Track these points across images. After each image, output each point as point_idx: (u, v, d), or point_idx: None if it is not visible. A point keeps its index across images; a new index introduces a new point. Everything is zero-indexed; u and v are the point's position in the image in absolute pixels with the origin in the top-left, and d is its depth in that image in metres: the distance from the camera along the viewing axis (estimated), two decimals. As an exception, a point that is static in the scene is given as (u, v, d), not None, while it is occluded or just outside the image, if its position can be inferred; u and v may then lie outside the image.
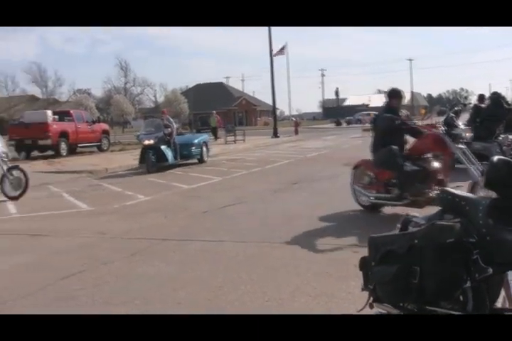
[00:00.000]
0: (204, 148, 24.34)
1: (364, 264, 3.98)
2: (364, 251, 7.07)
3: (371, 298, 3.86)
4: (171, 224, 10.40)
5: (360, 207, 10.67)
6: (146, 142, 21.33)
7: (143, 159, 21.24)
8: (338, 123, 78.60)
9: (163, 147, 21.41)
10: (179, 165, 22.22)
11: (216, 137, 45.25)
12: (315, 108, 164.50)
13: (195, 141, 24.04)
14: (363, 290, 4.04)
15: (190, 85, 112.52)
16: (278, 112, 55.34)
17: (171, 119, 23.49)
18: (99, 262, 7.70)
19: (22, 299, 6.32)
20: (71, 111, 35.83)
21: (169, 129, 22.14)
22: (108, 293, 6.30)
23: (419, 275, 3.46)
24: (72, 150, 32.84)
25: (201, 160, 23.96)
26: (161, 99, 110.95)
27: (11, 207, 13.77)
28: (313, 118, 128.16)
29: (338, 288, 6.06)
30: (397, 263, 3.59)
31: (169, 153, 21.62)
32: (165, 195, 14.47)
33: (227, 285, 6.36)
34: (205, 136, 25.97)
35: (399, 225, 3.98)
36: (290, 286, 6.20)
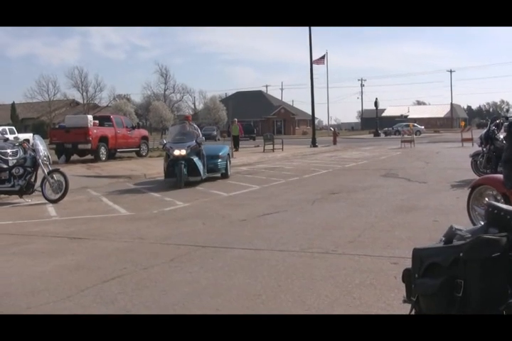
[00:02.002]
0: (228, 161, 21.68)
1: (407, 276, 3.97)
2: (404, 263, 7.08)
3: (413, 310, 3.84)
4: (209, 231, 10.42)
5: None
6: (177, 153, 18.24)
7: (171, 173, 18.26)
8: (376, 134, 78.27)
9: (195, 159, 18.56)
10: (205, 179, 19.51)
11: (238, 147, 41.49)
12: (353, 118, 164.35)
13: (221, 152, 21.15)
14: (404, 302, 4.02)
15: (230, 93, 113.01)
16: (316, 122, 55.32)
17: (196, 126, 20.89)
18: (138, 267, 7.75)
19: (63, 301, 6.38)
20: (111, 117, 36.14)
21: (202, 138, 19.52)
22: (147, 297, 6.33)
23: (464, 289, 3.44)
24: (111, 155, 33.12)
25: (225, 175, 21.15)
26: (200, 106, 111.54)
27: (51, 209, 13.94)
28: (351, 128, 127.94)
29: (377, 299, 6.03)
30: (441, 275, 3.57)
31: (201, 166, 18.76)
32: (203, 202, 14.51)
33: (266, 294, 6.36)
34: (227, 148, 22.94)
35: (443, 238, 3.95)
36: (329, 297, 6.17)
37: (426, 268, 3.74)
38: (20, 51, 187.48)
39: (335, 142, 50.72)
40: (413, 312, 3.84)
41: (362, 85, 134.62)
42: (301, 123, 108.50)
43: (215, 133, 72.04)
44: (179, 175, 17.89)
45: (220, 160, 20.66)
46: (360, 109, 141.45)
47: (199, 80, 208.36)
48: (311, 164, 26.82)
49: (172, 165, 18.20)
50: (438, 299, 3.58)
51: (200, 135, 19.62)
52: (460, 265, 3.48)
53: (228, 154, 22.26)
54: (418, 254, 3.91)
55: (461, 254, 3.49)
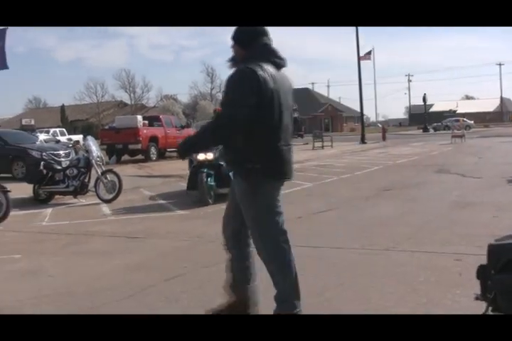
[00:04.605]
0: None
1: (483, 273, 3.85)
2: (467, 260, 6.99)
3: (490, 308, 3.74)
4: (265, 228, 10.35)
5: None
6: (202, 157, 14.21)
7: (194, 183, 14.13)
8: (425, 130, 77.45)
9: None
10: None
11: None
12: (400, 114, 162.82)
13: None
14: (476, 299, 3.91)
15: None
16: (364, 118, 54.83)
17: None
18: (199, 265, 7.74)
19: (126, 300, 6.40)
20: (160, 117, 36.39)
21: None
22: (211, 296, 6.29)
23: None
24: (161, 155, 33.32)
25: None
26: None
27: (105, 209, 14.06)
28: (399, 124, 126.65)
29: (443, 296, 5.92)
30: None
31: None
32: (257, 200, 14.46)
33: (329, 292, 6.30)
34: None
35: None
36: (394, 294, 6.08)
37: (504, 264, 3.64)
38: (68, 54, 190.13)
39: (384, 138, 50.26)
40: (489, 310, 3.75)
41: (409, 81, 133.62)
42: (349, 120, 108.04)
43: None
44: (201, 186, 13.89)
45: None
46: (408, 105, 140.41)
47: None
48: (362, 161, 26.63)
49: (196, 173, 14.28)
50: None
51: None
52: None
53: None
54: (494, 250, 3.81)
55: None
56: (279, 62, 5.05)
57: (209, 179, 13.97)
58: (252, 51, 4.99)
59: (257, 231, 5.16)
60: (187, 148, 5.14)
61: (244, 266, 5.43)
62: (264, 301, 5.32)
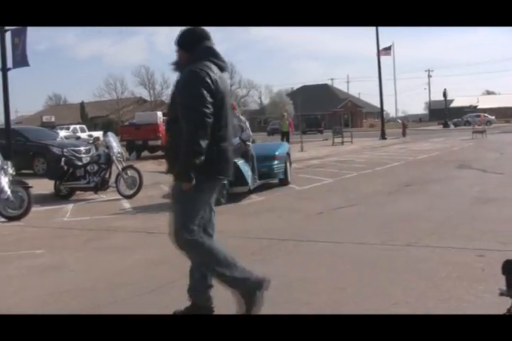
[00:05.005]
0: (287, 163, 16.71)
1: (509, 268, 3.80)
2: (490, 256, 6.95)
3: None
4: (286, 224, 10.38)
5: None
6: None
7: None
8: (446, 125, 77.03)
9: (240, 162, 13.54)
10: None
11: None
12: (420, 109, 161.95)
13: (278, 152, 16.34)
14: (501, 294, 3.86)
15: (296, 87, 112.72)
16: (383, 114, 54.60)
17: (243, 118, 15.73)
18: (219, 260, 7.72)
19: (148, 295, 6.41)
20: (180, 113, 36.33)
21: (248, 134, 14.75)
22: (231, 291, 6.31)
23: None
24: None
25: (284, 181, 16.44)
26: (266, 100, 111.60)
27: (126, 205, 14.13)
28: (419, 119, 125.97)
29: (466, 292, 5.87)
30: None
31: (248, 172, 14.00)
32: (278, 196, 14.51)
33: (351, 287, 6.26)
34: (286, 146, 18.22)
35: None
36: (416, 290, 6.04)
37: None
38: (87, 51, 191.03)
39: (404, 134, 50.01)
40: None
41: (429, 76, 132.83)
42: (368, 115, 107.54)
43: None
44: None
45: (276, 162, 15.91)
46: (428, 100, 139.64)
47: (265, 75, 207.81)
48: (382, 156, 26.57)
49: None
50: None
51: (248, 129, 14.92)
52: None
53: (288, 154, 17.24)
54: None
55: None
56: (222, 65, 5.21)
57: None
58: (197, 54, 5.13)
59: (180, 223, 5.18)
60: (188, 170, 4.85)
61: (203, 275, 5.49)
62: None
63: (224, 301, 5.35)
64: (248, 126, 15.03)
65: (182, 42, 5.23)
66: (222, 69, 5.19)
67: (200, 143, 4.78)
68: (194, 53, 5.13)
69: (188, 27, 5.26)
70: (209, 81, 4.87)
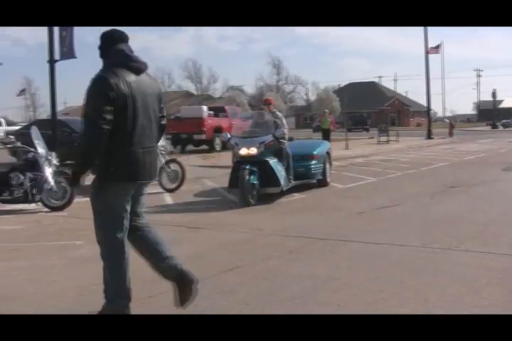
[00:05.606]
0: (327, 164, 15.81)
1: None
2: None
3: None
4: (327, 223, 10.30)
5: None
6: (244, 152, 12.92)
7: (235, 180, 12.73)
8: (494, 126, 76.09)
9: (272, 161, 12.98)
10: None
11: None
12: (469, 109, 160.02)
13: (316, 151, 15.47)
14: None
15: (343, 84, 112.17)
16: (431, 113, 54.08)
17: (280, 114, 14.80)
18: (257, 258, 7.71)
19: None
20: (226, 108, 36.51)
21: (283, 131, 13.49)
22: (267, 289, 6.26)
23: None
24: (225, 146, 33.34)
25: (323, 182, 15.59)
26: (313, 97, 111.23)
27: (168, 199, 14.15)
28: (467, 120, 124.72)
29: (506, 300, 5.74)
30: None
31: (282, 172, 13.23)
32: (320, 194, 14.42)
33: (388, 290, 6.17)
34: (326, 145, 17.12)
35: None
36: (454, 295, 5.92)
37: None
38: (135, 44, 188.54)
39: (451, 134, 49.49)
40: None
41: (478, 76, 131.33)
42: (416, 114, 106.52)
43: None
44: (243, 185, 12.43)
45: (314, 161, 15.05)
46: (476, 100, 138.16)
47: (312, 72, 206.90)
48: (428, 156, 26.29)
49: (238, 169, 12.79)
50: None
51: (284, 126, 13.84)
52: None
53: (328, 153, 16.35)
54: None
55: None
56: (137, 67, 5.17)
57: (252, 177, 12.59)
58: (109, 59, 5.16)
59: (98, 227, 5.35)
60: (78, 172, 5.22)
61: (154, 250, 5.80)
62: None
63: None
64: (284, 122, 14.21)
65: (99, 47, 5.30)
66: (137, 71, 5.16)
67: (91, 156, 5.00)
68: (107, 58, 5.19)
69: (105, 30, 5.32)
70: (107, 88, 4.88)
